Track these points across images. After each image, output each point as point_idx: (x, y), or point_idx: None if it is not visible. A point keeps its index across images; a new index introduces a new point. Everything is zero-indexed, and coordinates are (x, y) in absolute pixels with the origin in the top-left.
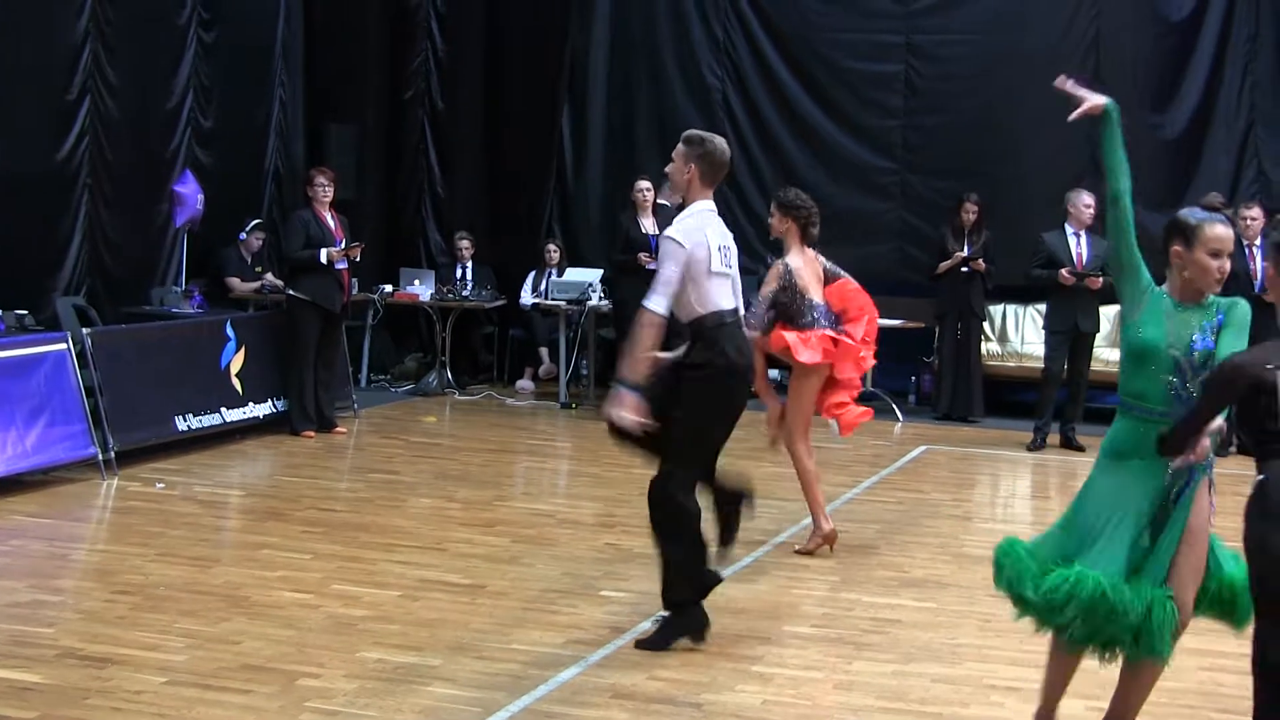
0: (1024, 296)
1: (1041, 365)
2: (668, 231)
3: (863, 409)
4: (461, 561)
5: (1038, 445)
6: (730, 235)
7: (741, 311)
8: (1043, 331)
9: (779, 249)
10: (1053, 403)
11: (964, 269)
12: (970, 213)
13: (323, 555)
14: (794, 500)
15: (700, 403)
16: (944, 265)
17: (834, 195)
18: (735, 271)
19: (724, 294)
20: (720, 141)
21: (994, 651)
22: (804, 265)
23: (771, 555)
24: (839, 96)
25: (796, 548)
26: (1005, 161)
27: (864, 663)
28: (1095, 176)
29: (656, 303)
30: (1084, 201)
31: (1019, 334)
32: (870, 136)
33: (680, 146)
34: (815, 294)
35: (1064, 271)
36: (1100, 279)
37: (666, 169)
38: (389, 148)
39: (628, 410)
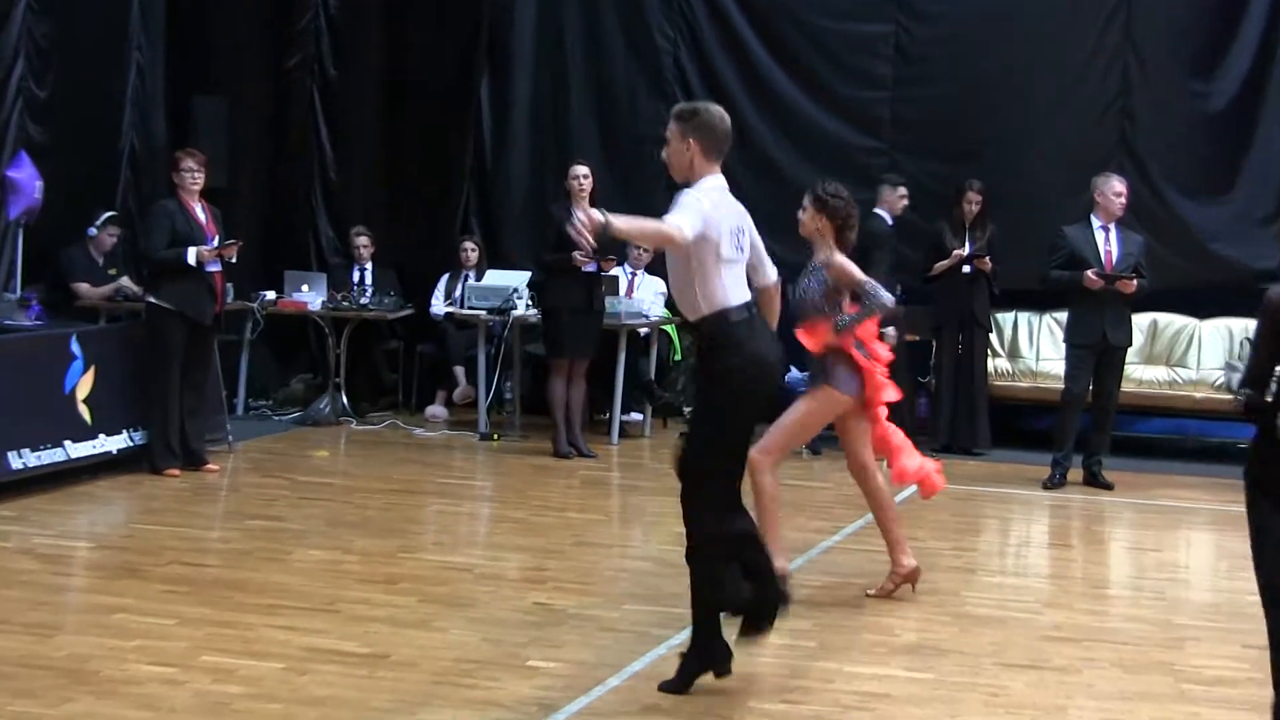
0: (1039, 302)
1: (1061, 386)
2: (690, 191)
3: (936, 463)
4: (359, 626)
5: (1056, 483)
6: (747, 215)
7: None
8: (1063, 345)
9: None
10: (1075, 431)
11: (966, 269)
12: (973, 203)
13: (189, 620)
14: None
15: (729, 416)
16: (941, 265)
17: (809, 180)
18: (748, 254)
19: (736, 285)
20: (716, 108)
21: None
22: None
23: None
24: (815, 63)
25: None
26: (1016, 141)
27: None
28: (1125, 157)
29: (689, 227)
30: (1114, 189)
31: (1033, 348)
32: (852, 111)
33: (672, 125)
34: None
35: (1090, 273)
36: (1134, 282)
37: (664, 154)
38: (271, 125)
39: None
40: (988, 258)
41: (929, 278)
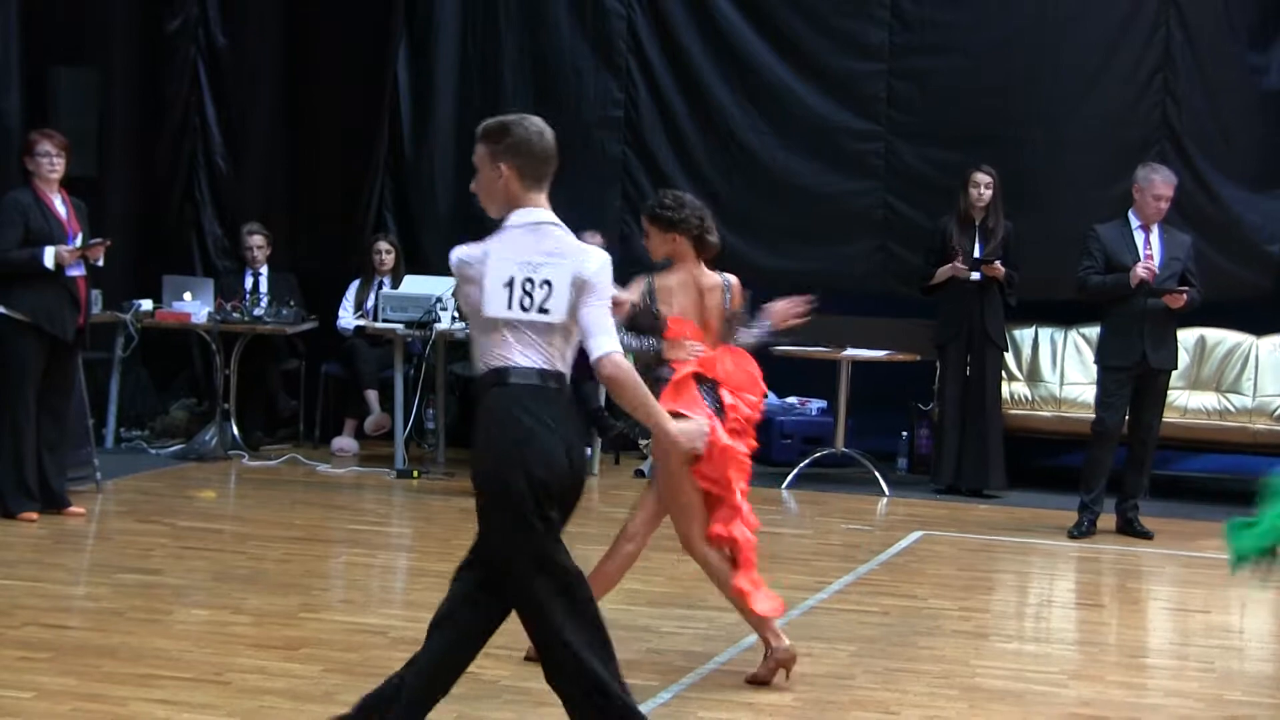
0: (1065, 316)
1: (1091, 416)
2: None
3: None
4: (251, 700)
5: (1085, 531)
6: (565, 262)
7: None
8: (1093, 368)
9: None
10: (1107, 470)
11: (975, 276)
12: (982, 187)
13: (50, 692)
14: (728, 610)
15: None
16: (943, 272)
17: (791, 170)
18: (556, 315)
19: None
20: (532, 122)
21: None
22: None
23: (699, 688)
24: (796, 30)
25: (747, 677)
26: (1038, 124)
27: None
28: (1167, 142)
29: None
30: (1155, 190)
31: (1057, 370)
32: (842, 87)
33: (478, 147)
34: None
35: (1140, 268)
36: (1184, 296)
37: (472, 186)
38: (146, 102)
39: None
40: (999, 262)
41: (929, 287)
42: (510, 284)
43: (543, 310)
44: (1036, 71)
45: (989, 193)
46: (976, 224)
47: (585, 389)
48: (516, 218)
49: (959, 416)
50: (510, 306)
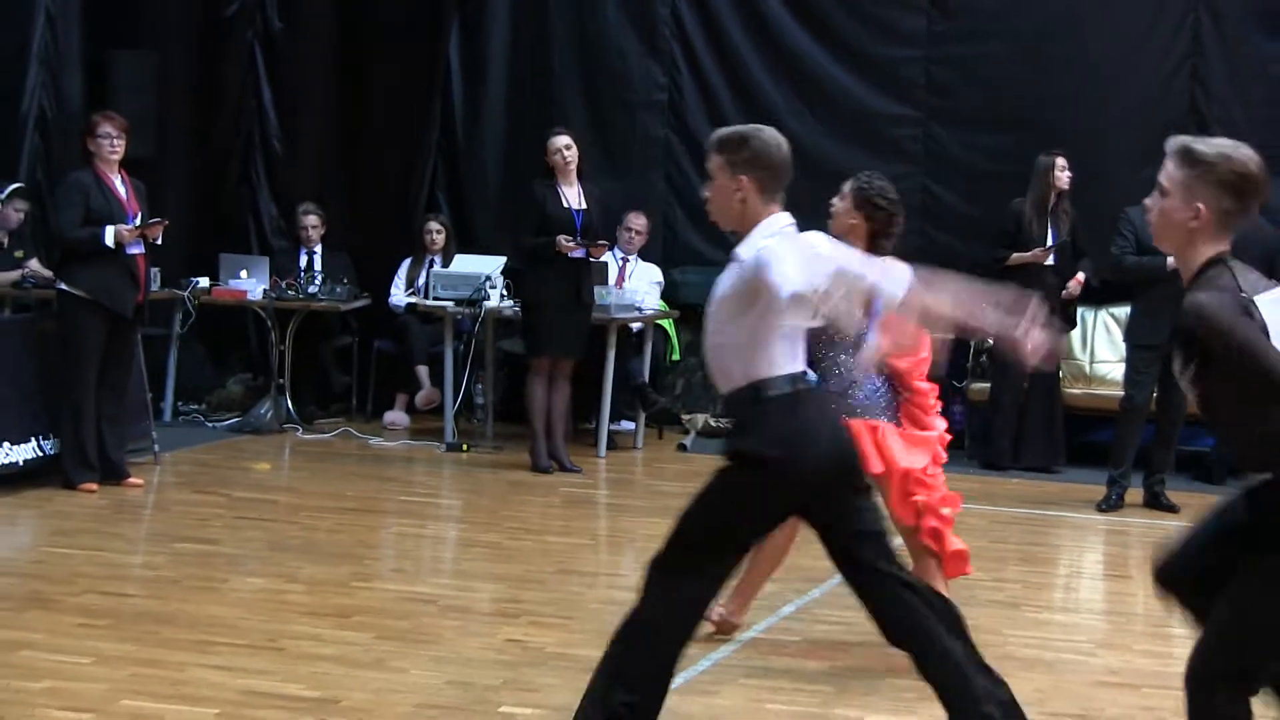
0: (1094, 296)
1: (1119, 393)
2: (768, 244)
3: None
4: (305, 666)
5: (1113, 504)
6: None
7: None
8: (1122, 346)
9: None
10: (1135, 446)
11: (1050, 261)
12: (1060, 178)
13: (108, 658)
14: (769, 580)
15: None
16: (1023, 257)
17: (829, 154)
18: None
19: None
20: (769, 133)
21: None
22: None
23: (740, 655)
24: (836, 17)
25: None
26: (1071, 109)
27: None
28: (1195, 128)
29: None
30: None
31: (1087, 349)
32: (880, 72)
33: (714, 158)
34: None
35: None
36: None
37: (704, 194)
38: (203, 86)
39: None
40: (1080, 274)
41: (1006, 266)
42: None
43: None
44: (1070, 58)
45: (1065, 175)
46: (1049, 209)
47: (631, 364)
48: (770, 226)
49: (1017, 397)
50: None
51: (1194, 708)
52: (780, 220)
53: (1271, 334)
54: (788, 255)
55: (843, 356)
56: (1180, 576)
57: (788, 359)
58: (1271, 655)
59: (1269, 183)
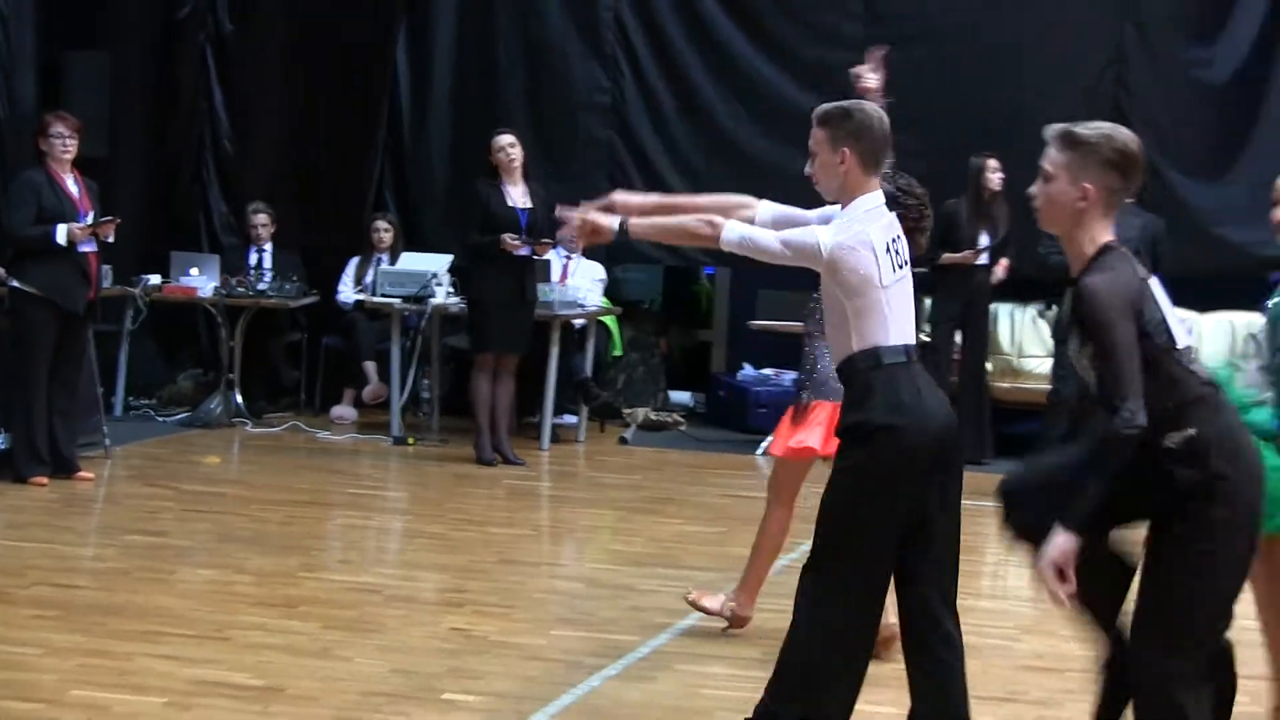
0: (1021, 293)
1: (1046, 386)
2: (815, 229)
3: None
4: (251, 655)
5: None
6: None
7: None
8: (1049, 341)
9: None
10: (1061, 439)
11: (982, 260)
12: (994, 180)
13: (57, 649)
14: (707, 569)
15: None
16: (957, 257)
17: (766, 154)
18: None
19: (899, 321)
20: (870, 107)
21: None
22: None
23: (678, 643)
24: (775, 22)
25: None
26: (1001, 111)
27: None
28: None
29: (733, 236)
30: None
31: (1014, 344)
32: (817, 75)
33: (817, 131)
34: None
35: None
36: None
37: (807, 170)
38: (156, 87)
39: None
40: (1005, 260)
41: (940, 266)
42: (887, 250)
43: (900, 266)
44: (1000, 63)
45: (997, 176)
46: (983, 210)
47: (574, 360)
48: (866, 203)
49: (946, 391)
50: (893, 271)
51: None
52: (873, 199)
53: (1166, 313)
54: (835, 227)
55: (819, 342)
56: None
57: (890, 330)
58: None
59: (1144, 161)
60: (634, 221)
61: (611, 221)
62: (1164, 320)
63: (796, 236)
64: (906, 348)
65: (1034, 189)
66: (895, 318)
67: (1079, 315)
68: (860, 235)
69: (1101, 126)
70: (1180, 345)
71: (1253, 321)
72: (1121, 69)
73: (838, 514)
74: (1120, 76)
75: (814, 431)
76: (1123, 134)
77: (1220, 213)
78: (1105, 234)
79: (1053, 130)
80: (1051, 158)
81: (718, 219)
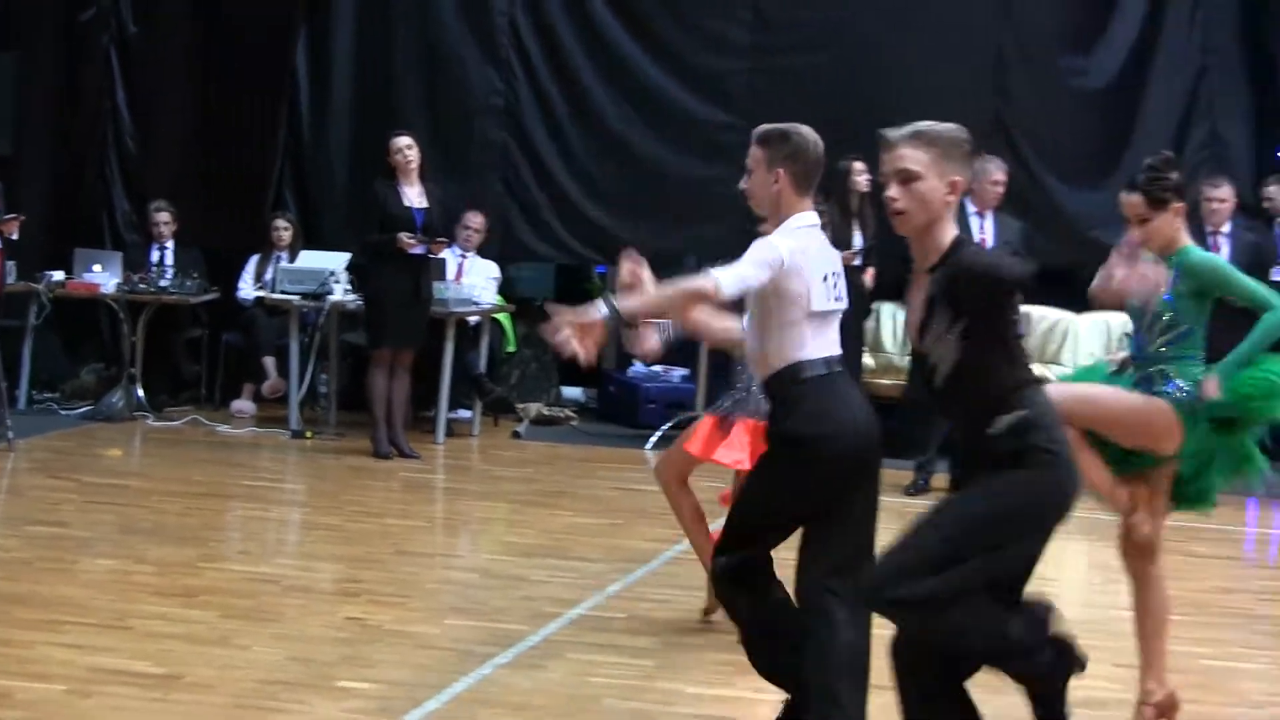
0: (903, 294)
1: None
2: (767, 238)
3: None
4: (152, 644)
5: (920, 488)
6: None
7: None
8: None
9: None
10: (941, 433)
11: (857, 262)
12: (861, 183)
13: None
14: (596, 560)
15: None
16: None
17: (657, 158)
18: (844, 303)
19: (825, 338)
20: (806, 131)
21: None
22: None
23: (568, 632)
24: (665, 28)
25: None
26: (884, 118)
27: None
28: (1000, 139)
29: (730, 283)
30: (992, 177)
31: (896, 341)
32: (706, 82)
33: (754, 150)
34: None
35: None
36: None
37: (742, 185)
38: (61, 87)
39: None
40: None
41: None
42: (826, 279)
43: (837, 299)
44: (884, 70)
45: (864, 179)
46: (855, 212)
47: (468, 356)
48: (800, 220)
49: None
50: (828, 299)
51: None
52: (806, 218)
53: None
54: (758, 250)
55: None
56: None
57: (816, 343)
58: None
59: None
60: (625, 302)
61: (596, 312)
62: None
63: (758, 254)
64: (828, 360)
65: (893, 193)
66: (821, 330)
67: (954, 293)
68: (803, 247)
69: (943, 124)
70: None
71: (1127, 322)
72: (1001, 77)
73: (758, 501)
74: (1000, 84)
75: (742, 449)
76: (959, 128)
77: (1096, 217)
78: (953, 226)
79: (902, 132)
80: (914, 158)
81: (706, 278)
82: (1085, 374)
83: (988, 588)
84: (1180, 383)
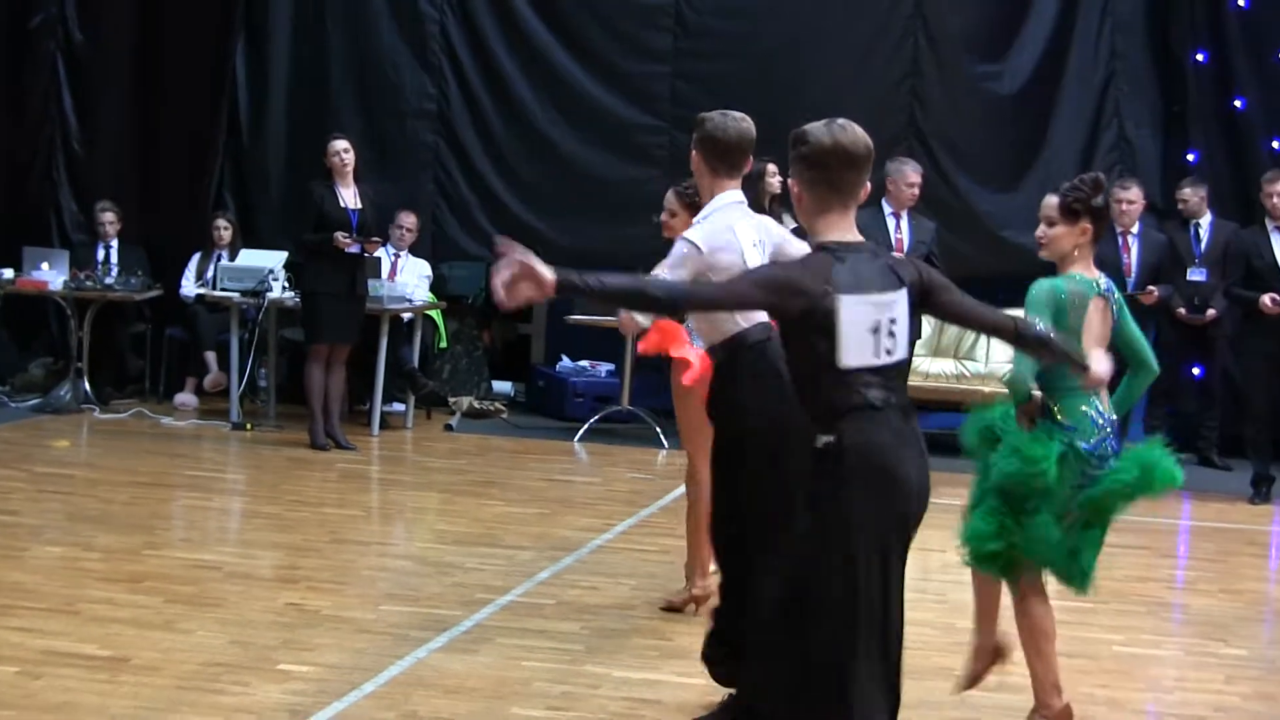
0: None
1: None
2: (684, 234)
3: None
4: (99, 628)
5: None
6: (772, 228)
7: None
8: None
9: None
10: None
11: None
12: (774, 184)
13: None
14: (526, 548)
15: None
16: None
17: (583, 160)
18: None
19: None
20: (723, 116)
21: None
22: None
23: (499, 618)
24: (591, 34)
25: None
26: (802, 121)
27: None
28: (914, 141)
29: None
30: (908, 179)
31: None
32: (630, 86)
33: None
34: None
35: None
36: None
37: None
38: (8, 91)
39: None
40: None
41: None
42: (755, 245)
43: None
44: (802, 75)
45: (776, 180)
46: (767, 211)
47: (402, 351)
48: (719, 201)
49: None
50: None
51: None
52: (726, 196)
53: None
54: (672, 252)
55: None
56: None
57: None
58: None
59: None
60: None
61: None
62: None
63: (672, 257)
64: (764, 325)
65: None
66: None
67: None
68: (720, 226)
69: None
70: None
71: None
72: (916, 82)
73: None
74: (915, 89)
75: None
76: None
77: (1007, 217)
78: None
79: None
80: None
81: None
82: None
83: None
84: (1066, 420)
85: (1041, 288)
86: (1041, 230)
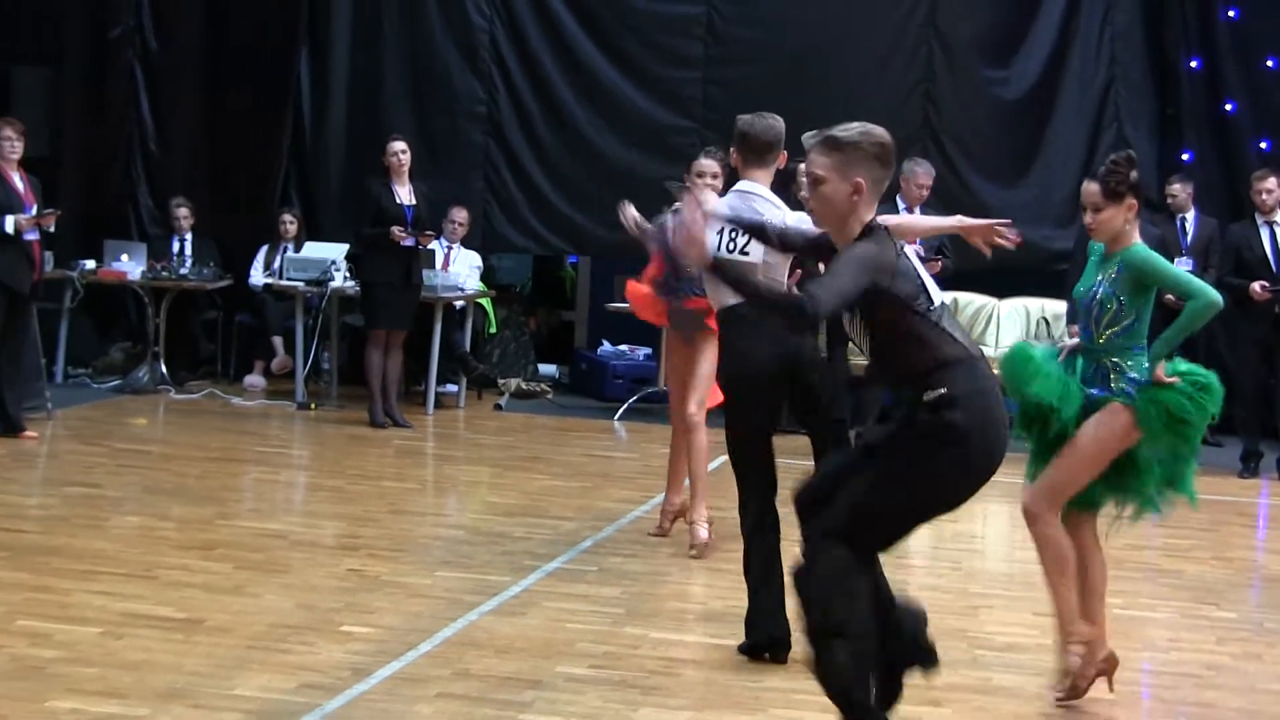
0: None
1: (864, 361)
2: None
3: None
4: (175, 592)
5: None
6: (777, 211)
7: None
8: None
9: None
10: (878, 403)
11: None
12: (801, 184)
13: (5, 585)
14: (570, 519)
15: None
16: None
17: (622, 159)
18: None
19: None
20: (757, 116)
21: (803, 697)
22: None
23: (545, 583)
24: (627, 43)
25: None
26: (823, 122)
27: (651, 709)
28: (929, 141)
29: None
30: (919, 180)
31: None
32: (665, 91)
33: None
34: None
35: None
36: (939, 263)
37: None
38: (91, 96)
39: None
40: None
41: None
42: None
43: (744, 252)
44: (823, 80)
45: (805, 180)
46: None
47: (454, 336)
48: (738, 185)
49: None
50: (719, 249)
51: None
52: (742, 185)
53: (924, 279)
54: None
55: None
56: (815, 499)
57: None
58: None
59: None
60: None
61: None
62: (922, 285)
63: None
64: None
65: (804, 194)
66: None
67: None
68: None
69: (854, 125)
70: (935, 305)
71: (1045, 306)
72: (930, 86)
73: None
74: (929, 93)
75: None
76: (877, 130)
77: (1014, 211)
78: (870, 215)
79: (812, 139)
80: (819, 163)
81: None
82: (1028, 361)
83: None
84: (1134, 375)
85: (1148, 251)
86: (1090, 217)
